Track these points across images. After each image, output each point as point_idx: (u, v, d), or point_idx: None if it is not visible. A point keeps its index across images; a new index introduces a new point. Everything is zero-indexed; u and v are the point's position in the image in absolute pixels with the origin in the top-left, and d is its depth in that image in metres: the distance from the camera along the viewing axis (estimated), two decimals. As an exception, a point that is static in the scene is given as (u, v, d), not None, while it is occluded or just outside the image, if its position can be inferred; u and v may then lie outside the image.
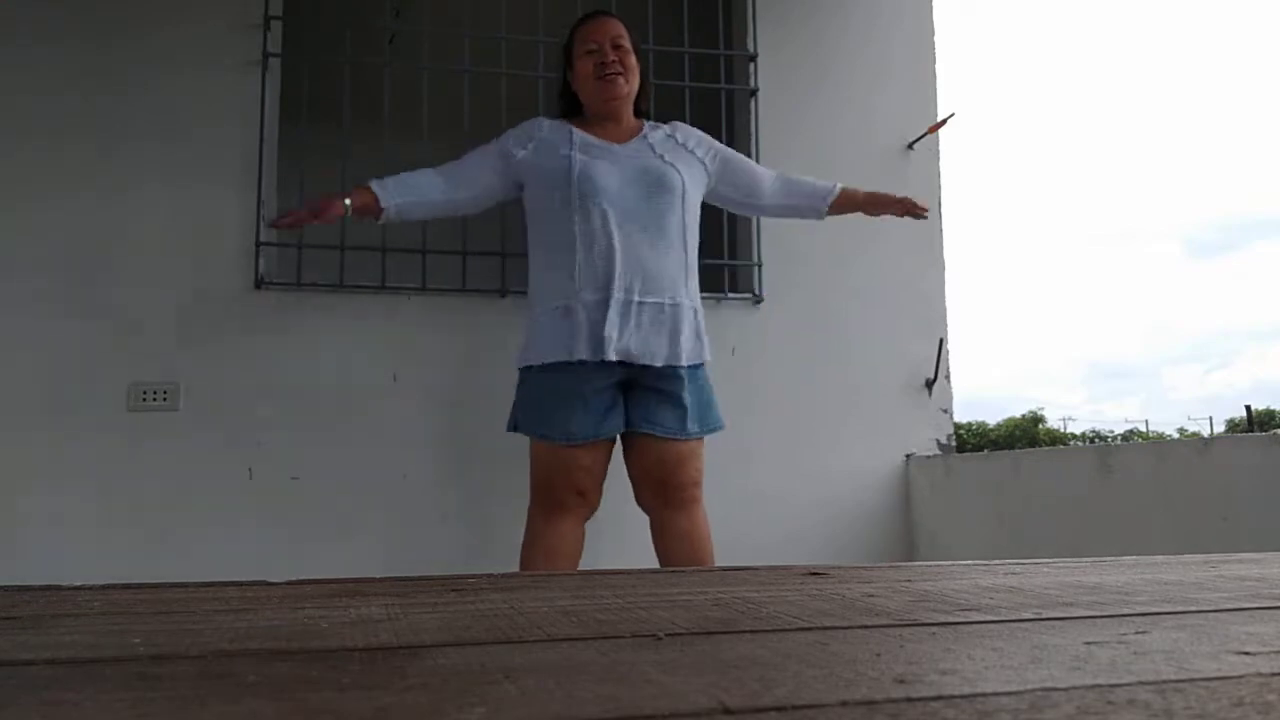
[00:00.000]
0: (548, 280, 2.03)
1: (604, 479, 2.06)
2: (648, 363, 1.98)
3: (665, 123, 2.22)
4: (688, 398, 2.04)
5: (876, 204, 2.31)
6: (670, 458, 2.04)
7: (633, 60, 2.14)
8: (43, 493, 2.27)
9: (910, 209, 2.28)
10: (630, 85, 2.13)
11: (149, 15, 2.45)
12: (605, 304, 1.97)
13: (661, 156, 2.11)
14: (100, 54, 2.41)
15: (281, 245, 2.53)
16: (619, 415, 2.03)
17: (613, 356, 1.96)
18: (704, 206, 2.21)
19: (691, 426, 2.04)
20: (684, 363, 2.02)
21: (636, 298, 1.98)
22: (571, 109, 2.20)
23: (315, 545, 2.34)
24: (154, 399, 2.33)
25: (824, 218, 2.32)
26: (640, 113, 2.22)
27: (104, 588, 0.82)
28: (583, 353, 1.95)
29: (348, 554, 2.34)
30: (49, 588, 0.80)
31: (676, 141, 2.17)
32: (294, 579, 0.86)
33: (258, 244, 2.42)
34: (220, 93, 2.46)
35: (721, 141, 2.87)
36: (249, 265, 2.41)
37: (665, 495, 2.05)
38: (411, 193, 2.06)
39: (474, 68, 2.66)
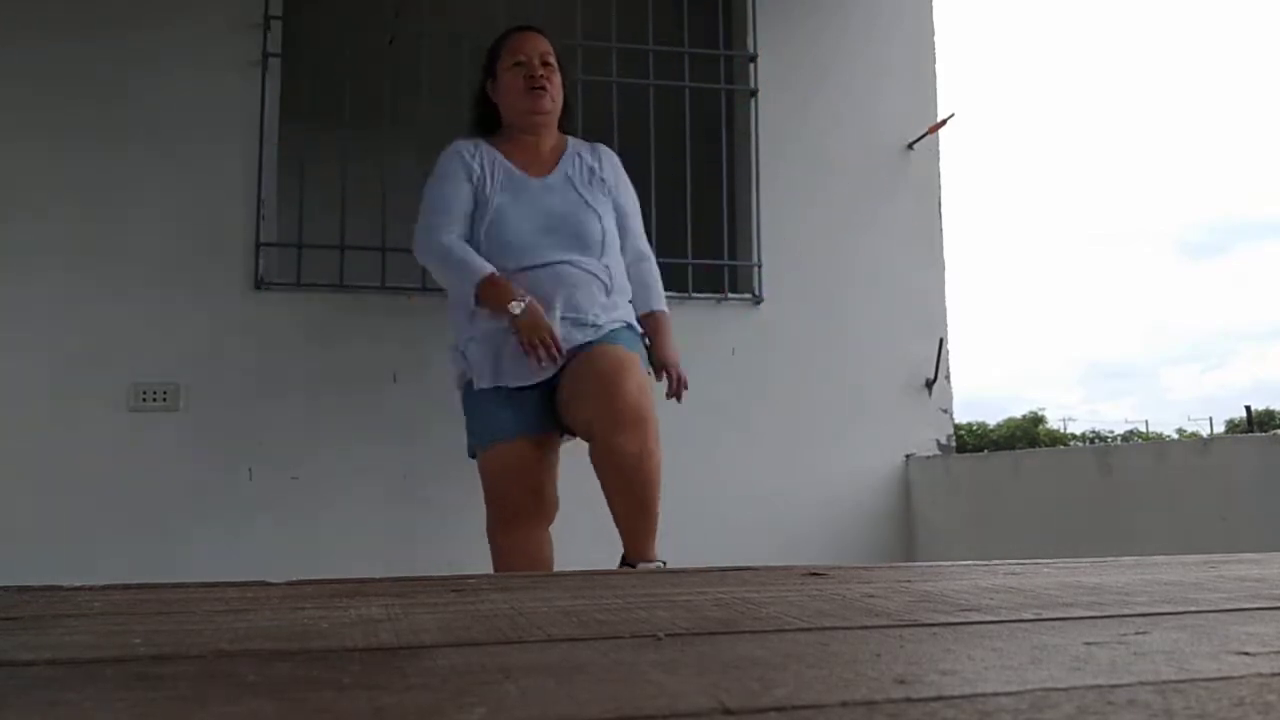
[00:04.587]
0: (466, 311, 1.98)
1: (556, 479, 2.01)
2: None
3: (591, 144, 2.17)
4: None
5: (658, 352, 2.10)
6: (606, 362, 1.87)
7: (559, 80, 2.11)
8: (43, 493, 2.27)
9: (673, 381, 2.08)
10: (556, 105, 2.10)
11: (149, 15, 2.45)
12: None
13: (584, 199, 2.05)
14: (100, 54, 2.41)
15: (281, 245, 2.53)
16: (552, 413, 1.99)
17: (544, 377, 1.92)
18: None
19: (619, 340, 1.95)
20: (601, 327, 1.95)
21: (562, 334, 1.91)
22: (486, 123, 2.15)
23: (315, 545, 2.34)
24: (154, 399, 2.33)
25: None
26: (565, 131, 2.17)
27: (104, 588, 0.82)
28: (519, 380, 1.92)
29: (348, 554, 2.34)
30: (49, 588, 0.80)
31: (596, 174, 2.10)
32: (294, 579, 0.86)
33: (258, 244, 2.42)
34: (220, 93, 2.46)
35: (721, 142, 2.86)
36: (249, 265, 2.41)
37: (610, 409, 1.81)
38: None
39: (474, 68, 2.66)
